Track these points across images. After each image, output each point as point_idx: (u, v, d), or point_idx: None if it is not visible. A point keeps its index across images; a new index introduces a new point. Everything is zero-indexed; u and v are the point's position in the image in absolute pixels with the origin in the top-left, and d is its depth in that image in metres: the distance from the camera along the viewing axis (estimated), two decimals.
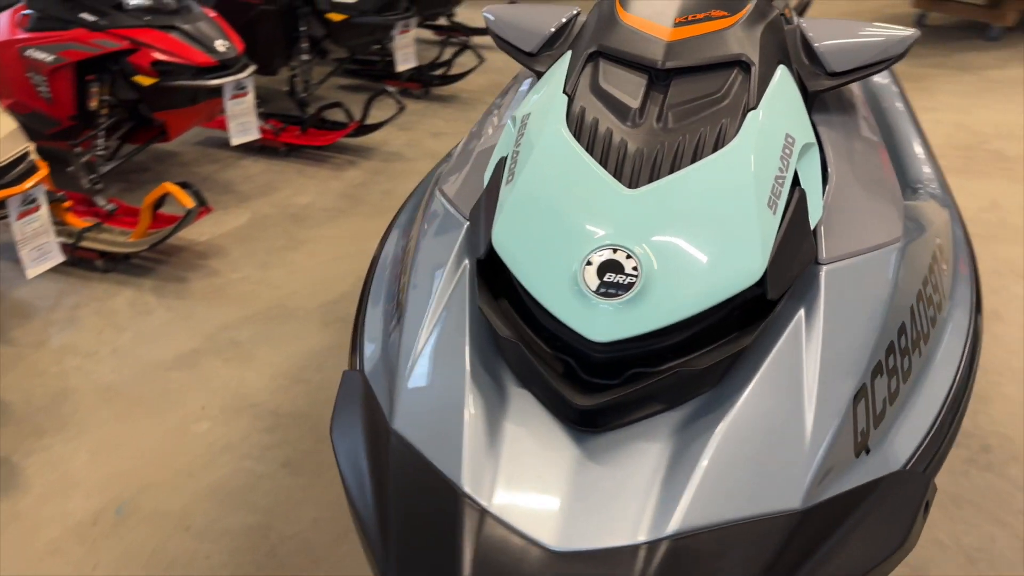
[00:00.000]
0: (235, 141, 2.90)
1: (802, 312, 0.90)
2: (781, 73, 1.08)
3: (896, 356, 0.92)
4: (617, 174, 0.93)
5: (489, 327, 0.92)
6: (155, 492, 1.77)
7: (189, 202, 2.47)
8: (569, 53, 1.15)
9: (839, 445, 0.82)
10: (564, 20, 1.25)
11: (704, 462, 0.79)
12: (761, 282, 0.86)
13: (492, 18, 1.31)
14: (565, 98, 1.05)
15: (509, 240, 0.93)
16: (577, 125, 1.02)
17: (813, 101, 1.19)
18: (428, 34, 5.01)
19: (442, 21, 4.94)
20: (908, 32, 1.18)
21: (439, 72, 4.33)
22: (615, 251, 0.86)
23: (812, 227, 0.95)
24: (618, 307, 0.84)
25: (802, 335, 0.88)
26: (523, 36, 1.25)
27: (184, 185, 2.50)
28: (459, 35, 4.82)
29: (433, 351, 0.94)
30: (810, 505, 0.78)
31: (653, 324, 0.84)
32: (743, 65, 1.07)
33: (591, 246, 0.87)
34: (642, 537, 0.75)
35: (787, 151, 0.97)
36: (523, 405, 0.86)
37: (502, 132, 1.16)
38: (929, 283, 1.03)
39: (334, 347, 2.25)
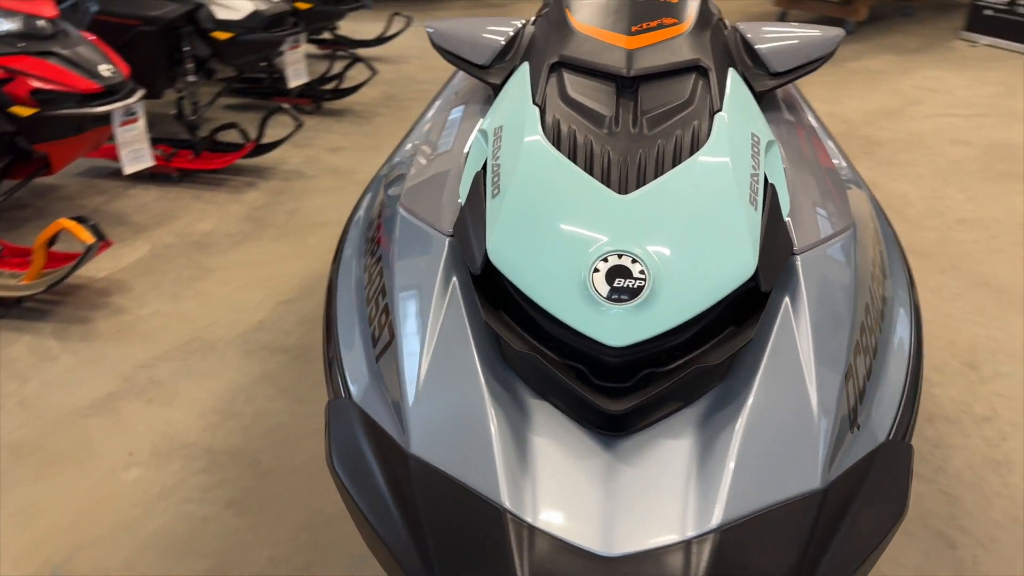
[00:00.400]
0: (128, 170, 2.76)
1: (787, 300, 0.95)
2: (733, 76, 1.14)
3: (867, 334, 0.99)
4: (605, 181, 0.95)
5: (496, 342, 0.92)
6: (92, 550, 1.65)
7: (88, 237, 2.32)
8: (526, 64, 1.16)
9: (840, 423, 0.88)
10: (513, 32, 1.26)
11: (733, 454, 0.82)
12: (754, 275, 0.91)
13: (437, 32, 1.30)
14: (536, 109, 1.06)
15: (508, 253, 0.94)
16: (554, 135, 1.03)
17: (760, 101, 1.26)
18: (312, 48, 4.91)
19: (326, 35, 4.85)
20: (835, 32, 1.26)
21: (330, 86, 4.26)
22: (620, 256, 0.88)
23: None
24: (630, 311, 0.86)
25: (792, 322, 0.93)
26: (474, 49, 1.25)
27: (80, 220, 2.35)
28: (344, 48, 4.76)
29: (440, 372, 0.92)
30: (828, 483, 0.83)
31: (665, 325, 0.86)
32: (700, 70, 1.12)
33: (596, 253, 0.89)
34: (690, 532, 0.77)
35: (755, 149, 1.02)
36: (545, 416, 0.87)
37: (464, 143, 1.16)
38: (876, 264, 1.10)
39: (262, 378, 2.18)
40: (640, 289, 0.88)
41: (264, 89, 4.21)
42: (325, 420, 1.01)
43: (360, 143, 3.85)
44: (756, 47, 1.24)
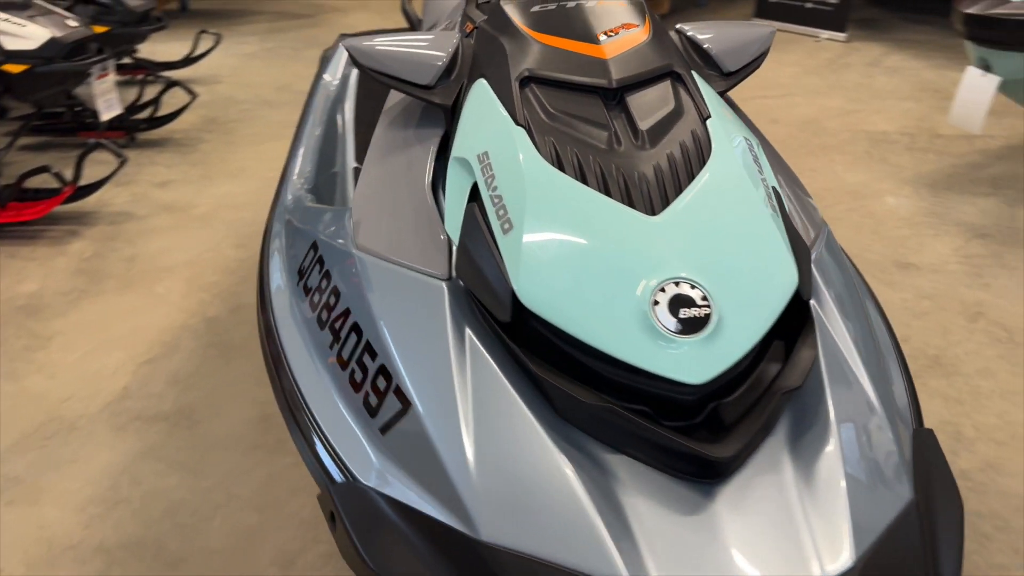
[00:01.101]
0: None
1: (815, 304, 0.92)
2: (699, 79, 1.11)
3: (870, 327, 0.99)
4: (626, 203, 0.88)
5: (542, 396, 0.83)
6: None
7: None
8: (482, 82, 1.05)
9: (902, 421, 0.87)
10: (453, 48, 1.14)
11: (841, 477, 0.78)
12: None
13: (361, 52, 1.16)
14: (521, 130, 0.97)
15: (544, 295, 0.84)
16: (553, 158, 0.95)
17: None
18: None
19: (126, 60, 4.42)
20: (767, 28, 1.27)
21: (145, 115, 3.87)
22: (678, 284, 0.82)
23: None
24: (702, 342, 0.80)
25: (827, 325, 0.91)
26: (413, 68, 1.12)
27: None
28: (149, 72, 4.35)
29: (493, 439, 0.81)
30: (914, 489, 0.81)
31: (738, 352, 0.81)
32: (675, 75, 1.08)
33: (653, 283, 0.81)
34: (829, 571, 0.72)
35: (754, 154, 1.00)
36: (630, 472, 0.78)
37: (422, 171, 1.04)
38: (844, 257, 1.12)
39: (144, 453, 1.92)
40: (707, 317, 0.82)
41: (67, 125, 3.75)
42: (332, 511, 0.87)
43: (190, 174, 3.54)
44: (706, 48, 1.21)
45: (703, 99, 1.06)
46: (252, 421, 2.05)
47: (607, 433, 0.80)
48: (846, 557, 0.74)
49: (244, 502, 1.80)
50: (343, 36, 2.75)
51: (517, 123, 0.98)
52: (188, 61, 4.67)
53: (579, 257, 0.85)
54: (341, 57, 2.56)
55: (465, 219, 0.95)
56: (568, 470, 0.78)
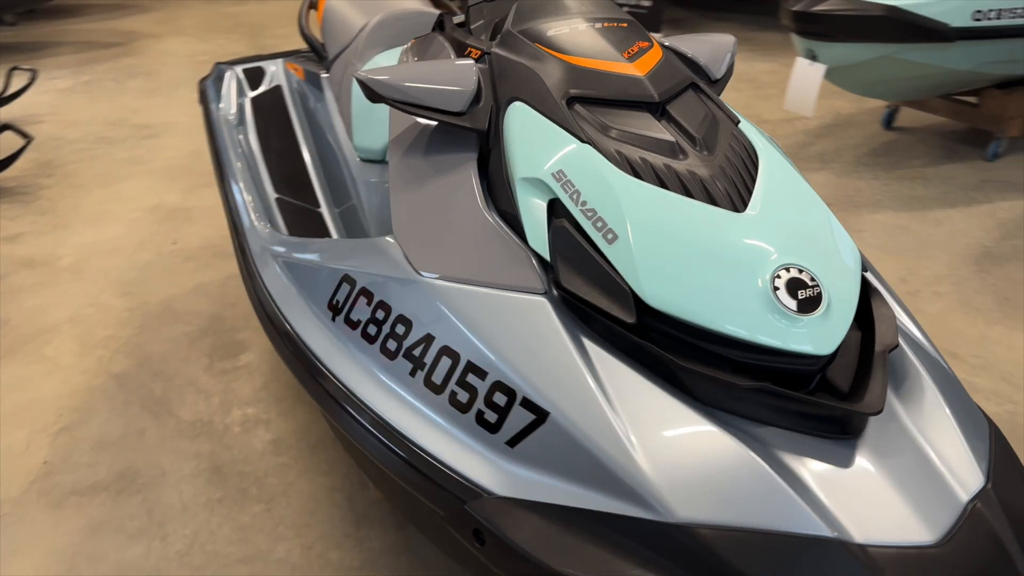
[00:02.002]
0: None
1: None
2: (706, 89, 1.21)
3: None
4: (710, 203, 0.97)
5: (677, 387, 0.88)
6: None
7: None
8: (520, 104, 1.09)
9: None
10: (476, 75, 1.16)
11: (952, 419, 0.90)
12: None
13: (382, 84, 1.15)
14: (589, 147, 1.02)
15: (671, 294, 0.90)
16: (629, 169, 1.01)
17: None
18: None
19: None
20: (729, 36, 1.39)
21: None
22: (788, 270, 0.91)
23: None
24: (822, 317, 0.90)
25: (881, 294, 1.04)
26: (444, 97, 1.13)
27: None
28: None
29: (649, 428, 0.86)
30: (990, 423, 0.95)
31: (847, 322, 0.91)
32: (694, 87, 1.17)
33: (768, 271, 0.90)
34: (972, 492, 0.83)
35: (781, 152, 1.12)
36: (790, 441, 0.86)
37: (468, 194, 1.06)
38: None
39: (93, 529, 1.78)
40: (819, 295, 0.92)
41: None
42: (476, 528, 0.89)
43: (41, 224, 3.24)
44: (693, 58, 1.30)
45: (725, 106, 1.17)
46: (203, 474, 1.95)
47: (753, 410, 0.88)
48: (978, 477, 0.88)
49: (226, 558, 1.71)
50: (219, 65, 2.65)
51: (583, 141, 1.04)
52: (2, 101, 4.23)
53: (693, 256, 0.92)
54: (230, 86, 2.47)
55: (557, 235, 0.99)
56: (734, 441, 0.85)
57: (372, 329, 1.14)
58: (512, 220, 1.07)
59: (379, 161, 1.83)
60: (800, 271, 0.93)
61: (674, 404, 0.88)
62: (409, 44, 1.57)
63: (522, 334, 0.96)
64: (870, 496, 0.82)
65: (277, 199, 2.06)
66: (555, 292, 0.98)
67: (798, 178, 1.07)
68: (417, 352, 1.07)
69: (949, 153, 3.83)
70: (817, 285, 0.93)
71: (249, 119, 2.38)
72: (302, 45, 5.66)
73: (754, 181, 1.04)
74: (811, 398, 0.88)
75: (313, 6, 2.39)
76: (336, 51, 2.12)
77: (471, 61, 1.18)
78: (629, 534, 0.84)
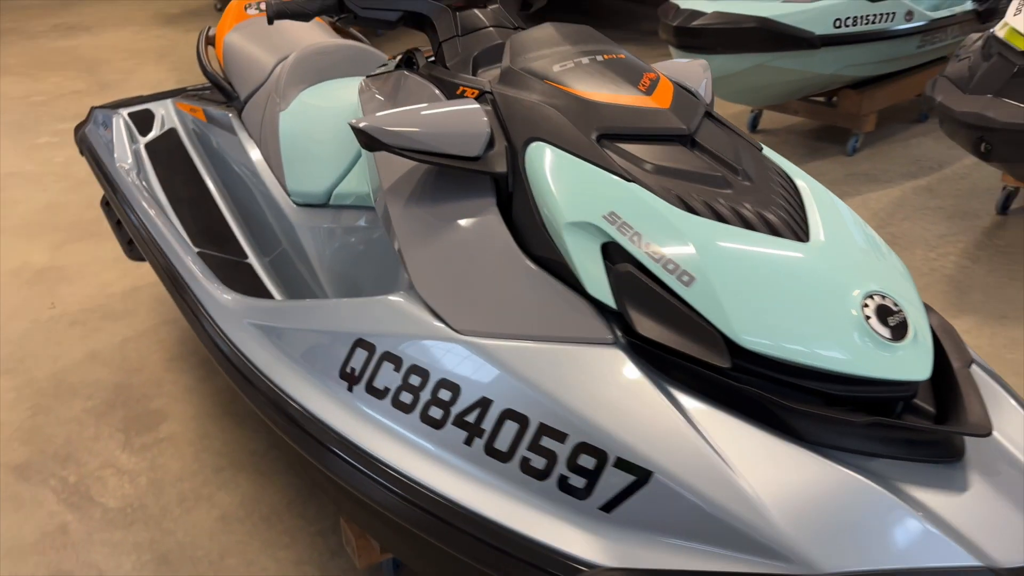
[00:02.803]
0: None
1: None
2: (717, 115, 1.19)
3: None
4: (773, 234, 0.95)
5: (779, 428, 0.85)
6: None
7: None
8: (542, 145, 1.02)
9: None
10: (485, 116, 1.09)
11: None
12: None
13: (390, 134, 1.04)
14: (636, 185, 0.98)
15: (764, 333, 0.87)
16: (683, 205, 0.98)
17: None
18: None
19: None
20: (700, 61, 1.39)
21: None
22: (872, 297, 0.90)
23: None
24: (912, 342, 0.90)
25: None
26: (458, 142, 1.05)
27: None
28: None
29: (768, 475, 0.82)
30: None
31: (930, 342, 0.92)
32: (709, 115, 1.15)
33: (856, 301, 0.89)
34: None
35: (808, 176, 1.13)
36: (895, 470, 0.84)
37: (498, 242, 1.00)
38: None
39: None
40: (905, 320, 0.92)
41: None
42: None
43: None
44: (688, 86, 1.27)
45: (741, 131, 1.16)
46: (147, 566, 1.76)
47: (861, 444, 0.87)
48: None
49: None
50: (96, 109, 2.42)
51: (627, 179, 1.00)
52: None
53: (779, 292, 0.90)
54: (120, 131, 2.25)
55: (622, 281, 0.93)
56: (859, 480, 0.83)
57: (407, 397, 1.05)
58: (551, 267, 1.02)
59: (319, 205, 1.71)
60: (883, 297, 0.93)
61: (786, 447, 0.86)
62: (365, 83, 1.47)
63: (601, 389, 0.91)
64: (994, 518, 0.83)
65: (199, 253, 1.89)
66: (623, 340, 0.94)
67: (838, 201, 1.09)
68: (471, 418, 0.99)
69: (812, 151, 4.10)
70: (901, 310, 0.94)
71: (148, 168, 2.18)
72: (153, 80, 5.29)
73: (802, 207, 1.05)
74: (931, 426, 0.88)
75: (211, 42, 2.22)
76: (249, 90, 1.98)
77: (474, 102, 1.12)
78: None
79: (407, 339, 1.06)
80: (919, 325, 0.93)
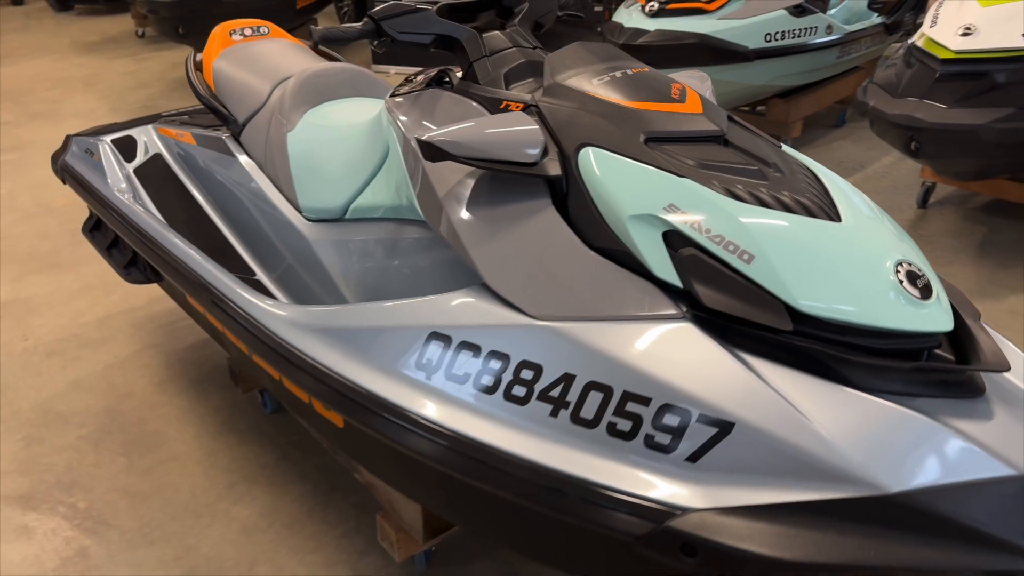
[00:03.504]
0: None
1: None
2: (736, 118, 1.35)
3: None
4: (810, 216, 1.10)
5: (839, 382, 0.99)
6: None
7: None
8: (591, 149, 1.17)
9: None
10: (535, 124, 1.20)
11: None
12: None
13: (455, 145, 1.14)
14: (689, 180, 1.11)
15: (821, 299, 1.03)
16: (732, 196, 1.11)
17: None
18: None
19: None
20: (700, 72, 1.54)
21: None
22: (901, 265, 1.06)
23: None
24: (937, 299, 1.06)
25: None
26: (518, 150, 1.16)
27: None
28: None
29: (833, 415, 0.97)
30: None
31: (948, 301, 1.08)
32: (730, 117, 1.30)
33: (891, 269, 1.05)
34: None
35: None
36: (942, 407, 0.99)
37: (561, 236, 1.17)
38: None
39: None
40: (929, 282, 1.07)
41: None
42: (684, 543, 0.94)
43: None
44: (701, 94, 1.41)
45: (759, 131, 1.32)
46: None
47: (905, 387, 1.01)
48: None
49: None
50: (73, 137, 2.43)
51: (679, 176, 1.13)
52: None
53: (829, 264, 1.04)
54: (108, 158, 2.27)
55: (688, 263, 1.07)
56: (912, 413, 0.97)
57: (488, 380, 1.15)
58: (613, 256, 1.14)
59: (333, 220, 1.79)
60: (909, 264, 1.09)
61: (844, 392, 0.99)
62: (394, 102, 1.55)
63: (678, 356, 1.03)
64: (1018, 438, 1.00)
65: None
66: (690, 314, 1.06)
67: (850, 186, 1.26)
68: (555, 393, 1.10)
69: None
70: (924, 274, 1.10)
71: (142, 192, 2.20)
72: (84, 109, 5.17)
73: (826, 193, 1.20)
74: (963, 367, 1.04)
75: (198, 67, 2.26)
76: (247, 113, 2.04)
77: (522, 115, 1.23)
78: (851, 516, 0.93)
79: (485, 328, 1.16)
80: (937, 286, 1.10)
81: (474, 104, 1.38)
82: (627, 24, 3.63)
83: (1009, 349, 1.16)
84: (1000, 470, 0.94)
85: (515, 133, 1.18)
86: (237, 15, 4.84)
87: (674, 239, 1.10)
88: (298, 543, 1.88)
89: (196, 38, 4.97)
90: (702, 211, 1.09)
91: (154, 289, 3.01)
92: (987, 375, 1.08)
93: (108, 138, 2.35)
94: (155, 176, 2.25)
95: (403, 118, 1.48)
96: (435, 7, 1.47)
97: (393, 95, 1.59)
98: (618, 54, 1.38)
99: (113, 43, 7.05)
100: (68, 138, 2.45)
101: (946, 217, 3.46)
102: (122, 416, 2.34)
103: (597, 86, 1.26)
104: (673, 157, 1.17)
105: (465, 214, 1.25)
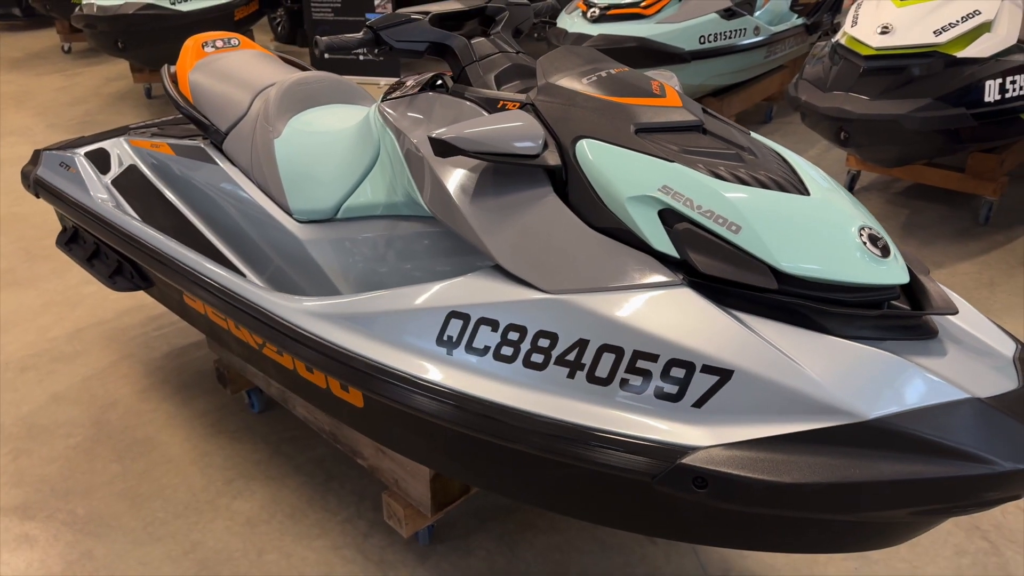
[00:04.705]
0: None
1: None
2: (709, 110, 1.51)
3: None
4: (783, 192, 1.26)
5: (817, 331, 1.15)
6: None
7: None
8: (588, 141, 1.30)
9: None
10: (532, 119, 1.32)
11: (984, 317, 1.28)
12: None
13: (466, 141, 1.26)
14: (677, 164, 1.26)
15: (799, 260, 1.18)
16: (716, 176, 1.26)
17: None
18: None
19: None
20: (667, 71, 1.70)
21: None
22: (863, 229, 1.22)
23: None
24: (895, 257, 1.22)
25: None
26: (523, 144, 1.28)
27: None
28: None
29: (815, 356, 1.13)
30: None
31: (903, 258, 1.26)
32: (703, 109, 1.46)
33: (855, 233, 1.21)
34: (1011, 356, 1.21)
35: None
36: (904, 348, 1.16)
37: (562, 220, 1.30)
38: None
39: None
40: (887, 243, 1.24)
41: None
42: (696, 477, 1.09)
43: None
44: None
45: (731, 121, 1.48)
46: (189, 571, 1.85)
47: (871, 333, 1.18)
48: (1011, 346, 1.26)
49: None
50: (37, 151, 2.46)
51: (669, 161, 1.27)
52: None
53: (804, 231, 1.19)
54: (86, 170, 2.31)
55: (683, 236, 1.20)
56: (885, 354, 1.12)
57: (507, 350, 1.27)
58: (613, 235, 1.28)
59: (325, 220, 1.89)
60: (870, 229, 1.27)
61: (824, 339, 1.15)
62: (389, 106, 1.66)
63: (680, 317, 1.18)
64: (968, 369, 1.18)
65: None
66: (686, 281, 1.21)
67: (812, 165, 1.43)
68: (571, 357, 1.22)
69: None
70: (883, 237, 1.27)
71: (123, 203, 2.25)
72: (21, 126, 5.07)
73: (794, 171, 1.37)
74: (920, 312, 1.22)
75: (172, 79, 2.32)
76: (229, 123, 2.11)
77: (522, 112, 1.36)
78: (836, 441, 1.09)
79: (502, 304, 1.29)
80: (893, 247, 1.28)
81: (471, 105, 1.51)
82: (571, 30, 3.80)
83: (955, 297, 1.35)
84: (956, 395, 1.12)
85: (518, 128, 1.32)
86: (177, 28, 4.85)
87: (668, 216, 1.25)
88: (303, 530, 1.97)
89: (135, 52, 4.94)
90: (692, 190, 1.24)
91: (122, 302, 3.03)
92: (938, 319, 1.26)
93: (81, 151, 2.38)
94: (132, 187, 2.30)
95: (401, 120, 1.60)
96: (427, 17, 1.60)
97: (385, 99, 1.70)
98: (600, 57, 1.53)
99: (39, 59, 6.89)
100: (37, 152, 2.47)
101: (871, 202, 3.74)
102: (109, 425, 2.37)
103: (587, 85, 1.41)
104: (661, 145, 1.32)
105: (474, 204, 1.38)
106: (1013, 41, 2.90)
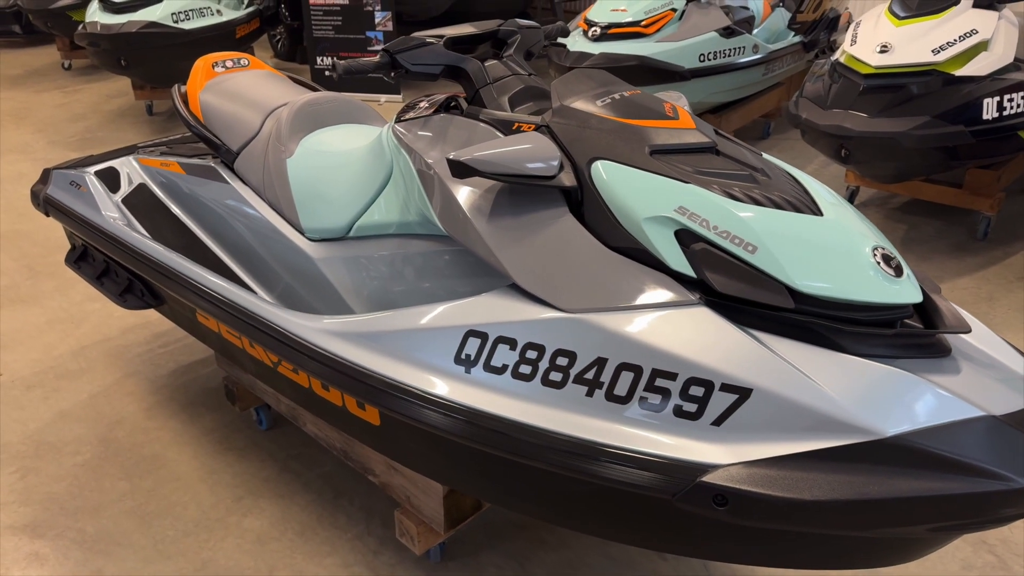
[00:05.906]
0: None
1: None
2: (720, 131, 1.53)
3: None
4: (797, 212, 1.27)
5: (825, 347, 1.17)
6: None
7: None
8: (603, 162, 1.32)
9: None
10: (548, 140, 1.34)
11: (997, 336, 1.30)
12: None
13: (484, 163, 1.27)
14: (693, 185, 1.28)
15: (814, 279, 1.19)
16: (731, 197, 1.27)
17: None
18: None
19: None
20: (677, 92, 1.72)
21: None
22: (876, 249, 1.24)
23: None
24: (908, 276, 1.24)
25: None
26: (540, 166, 1.30)
27: None
28: None
29: (832, 376, 1.14)
30: None
31: (916, 278, 1.28)
32: (715, 130, 1.48)
33: (869, 253, 1.23)
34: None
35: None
36: (919, 366, 1.17)
37: (586, 243, 1.31)
38: None
39: None
40: (900, 263, 1.26)
41: None
42: (717, 494, 1.10)
43: None
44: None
45: (742, 143, 1.50)
46: None
47: (886, 351, 1.19)
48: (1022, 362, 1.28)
49: None
50: (52, 170, 2.47)
51: (684, 182, 1.29)
52: None
53: (819, 251, 1.21)
54: (96, 189, 2.32)
55: (700, 256, 1.23)
56: (901, 372, 1.14)
57: (526, 368, 1.28)
58: (629, 255, 1.30)
59: (337, 239, 1.90)
60: (883, 248, 1.29)
61: (840, 357, 1.17)
62: (403, 128, 1.67)
63: (698, 336, 1.19)
64: (983, 386, 1.19)
65: None
66: (703, 300, 1.23)
67: (823, 186, 1.45)
68: (590, 375, 1.24)
69: None
70: (895, 257, 1.29)
71: (134, 221, 2.26)
72: (20, 144, 5.08)
73: (807, 192, 1.39)
74: (935, 331, 1.23)
75: (184, 100, 2.33)
76: (240, 142, 2.13)
77: (537, 134, 1.38)
78: (855, 458, 1.10)
79: (520, 323, 1.30)
80: (906, 266, 1.30)
81: (486, 127, 1.53)
82: (572, 48, 3.84)
83: (966, 315, 1.37)
84: (971, 412, 1.14)
85: (535, 150, 1.34)
86: (179, 46, 4.88)
87: (685, 236, 1.26)
88: (313, 548, 1.97)
89: (138, 69, 4.97)
90: (708, 211, 1.26)
91: (127, 319, 3.04)
92: (950, 337, 1.28)
93: (91, 170, 2.40)
94: (143, 205, 2.31)
95: (416, 141, 1.62)
96: (441, 40, 1.62)
97: (399, 120, 1.72)
98: (613, 79, 1.55)
99: (39, 75, 6.92)
100: (47, 171, 2.49)
101: (870, 217, 3.77)
102: (116, 442, 2.37)
103: (601, 107, 1.43)
104: (676, 166, 1.34)
105: (491, 224, 1.40)
106: (1010, 59, 2.94)
